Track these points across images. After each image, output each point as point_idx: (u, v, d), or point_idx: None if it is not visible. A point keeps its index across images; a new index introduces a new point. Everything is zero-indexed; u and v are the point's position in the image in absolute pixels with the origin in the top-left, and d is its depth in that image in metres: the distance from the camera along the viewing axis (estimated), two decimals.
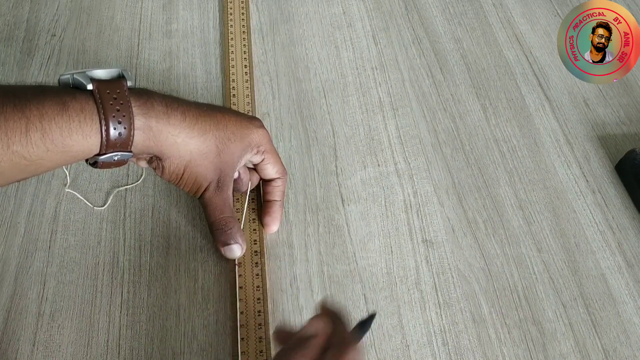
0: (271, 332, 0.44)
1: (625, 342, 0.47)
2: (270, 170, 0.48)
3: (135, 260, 0.47)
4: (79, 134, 0.36)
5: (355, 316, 0.46)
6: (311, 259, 0.49)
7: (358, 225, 0.51)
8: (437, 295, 0.48)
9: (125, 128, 0.37)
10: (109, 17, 0.63)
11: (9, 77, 0.57)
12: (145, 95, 0.39)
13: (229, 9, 0.64)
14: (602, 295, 0.49)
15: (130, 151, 0.38)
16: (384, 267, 0.49)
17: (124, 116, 0.37)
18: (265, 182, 0.49)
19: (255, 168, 0.49)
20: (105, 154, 0.38)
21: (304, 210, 0.51)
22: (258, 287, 0.46)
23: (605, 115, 0.61)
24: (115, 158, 0.38)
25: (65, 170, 0.51)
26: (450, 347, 0.45)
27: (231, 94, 0.57)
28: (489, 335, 0.46)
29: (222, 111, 0.45)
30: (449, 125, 0.59)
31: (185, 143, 0.41)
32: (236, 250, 0.46)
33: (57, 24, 0.62)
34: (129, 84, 0.39)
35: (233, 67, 0.59)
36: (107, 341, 0.43)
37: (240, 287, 0.45)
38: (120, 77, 0.39)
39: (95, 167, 0.40)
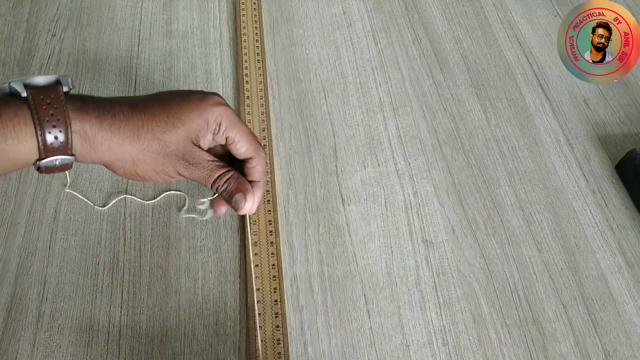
0: (287, 308, 0.46)
1: (625, 342, 0.47)
2: (240, 150, 0.45)
3: (135, 260, 0.47)
4: (14, 139, 0.37)
5: (355, 316, 0.46)
6: (311, 259, 0.49)
7: (358, 225, 0.51)
8: (437, 295, 0.48)
9: (61, 131, 0.38)
10: (109, 17, 0.63)
11: (10, 77, 0.57)
12: (80, 100, 0.40)
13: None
14: (602, 295, 0.49)
15: (72, 154, 0.39)
16: (384, 267, 0.49)
17: (58, 120, 0.37)
18: (242, 164, 0.46)
19: (229, 149, 0.46)
20: (45, 158, 0.38)
21: (304, 211, 0.51)
22: (273, 265, 0.47)
23: (605, 115, 0.61)
24: (57, 162, 0.39)
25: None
26: (450, 347, 0.45)
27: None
28: (489, 335, 0.46)
29: (164, 100, 0.43)
30: (449, 125, 0.59)
31: (119, 145, 0.40)
32: (239, 201, 0.44)
33: (57, 24, 0.62)
34: (65, 89, 0.39)
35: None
36: (107, 341, 0.43)
37: (256, 266, 0.46)
38: (57, 83, 0.39)
39: (40, 172, 0.40)
